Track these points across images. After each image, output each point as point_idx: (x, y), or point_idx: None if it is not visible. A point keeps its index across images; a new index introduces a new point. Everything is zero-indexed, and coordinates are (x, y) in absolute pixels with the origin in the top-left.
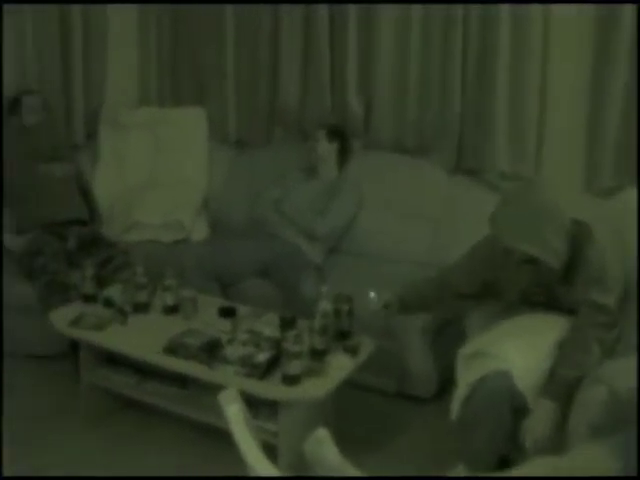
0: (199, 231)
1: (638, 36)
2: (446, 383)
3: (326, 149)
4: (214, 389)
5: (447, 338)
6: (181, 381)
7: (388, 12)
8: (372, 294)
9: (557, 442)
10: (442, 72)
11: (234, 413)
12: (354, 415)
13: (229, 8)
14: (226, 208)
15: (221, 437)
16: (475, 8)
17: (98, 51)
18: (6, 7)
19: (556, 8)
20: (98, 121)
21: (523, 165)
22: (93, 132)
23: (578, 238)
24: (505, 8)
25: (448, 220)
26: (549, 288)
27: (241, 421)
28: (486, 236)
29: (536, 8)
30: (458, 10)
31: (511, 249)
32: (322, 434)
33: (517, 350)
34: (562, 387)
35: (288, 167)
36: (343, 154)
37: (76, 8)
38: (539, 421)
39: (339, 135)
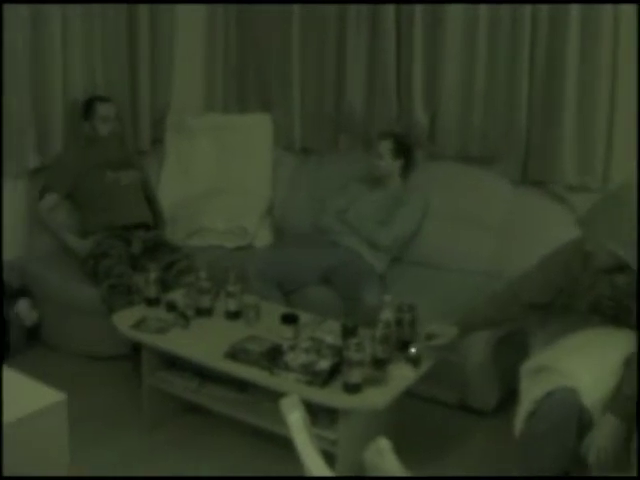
0: (262, 237)
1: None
2: (507, 396)
3: (390, 165)
4: (274, 395)
5: (509, 350)
6: (240, 386)
7: (454, 21)
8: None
9: (621, 460)
10: (509, 81)
11: (296, 420)
12: (414, 426)
13: (295, 15)
14: (290, 215)
15: (279, 443)
16: (543, 16)
17: (165, 57)
18: (74, 11)
19: (626, 13)
20: (164, 127)
21: (590, 177)
22: (159, 138)
23: None
24: (574, 17)
25: (513, 231)
26: (620, 300)
27: (302, 428)
28: (566, 242)
29: (606, 19)
30: (525, 20)
31: (595, 254)
32: (383, 444)
33: (584, 366)
34: (628, 405)
35: (352, 175)
36: (407, 168)
37: (144, 14)
38: (603, 437)
39: (404, 151)
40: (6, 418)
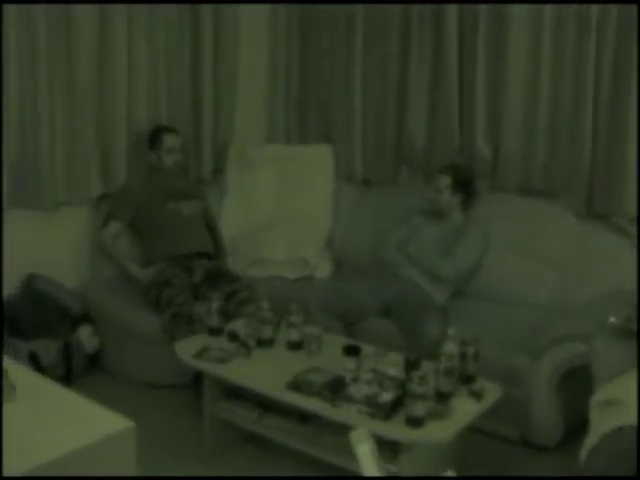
0: (323, 269)
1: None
2: (571, 431)
3: (449, 200)
4: (334, 427)
5: (574, 385)
6: (301, 417)
7: (517, 52)
8: (612, 319)
9: None
10: (572, 113)
11: (365, 452)
12: (476, 461)
13: (358, 46)
14: (350, 246)
15: (339, 476)
16: (608, 50)
17: (228, 87)
18: (139, 42)
19: None
20: (226, 157)
21: None
22: (220, 168)
23: None
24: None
25: (575, 264)
26: None
27: (372, 461)
28: None
29: None
30: (590, 52)
31: None
32: (451, 476)
33: None
34: None
35: (413, 207)
36: (467, 201)
37: (207, 45)
38: None
39: (463, 185)
40: (75, 444)
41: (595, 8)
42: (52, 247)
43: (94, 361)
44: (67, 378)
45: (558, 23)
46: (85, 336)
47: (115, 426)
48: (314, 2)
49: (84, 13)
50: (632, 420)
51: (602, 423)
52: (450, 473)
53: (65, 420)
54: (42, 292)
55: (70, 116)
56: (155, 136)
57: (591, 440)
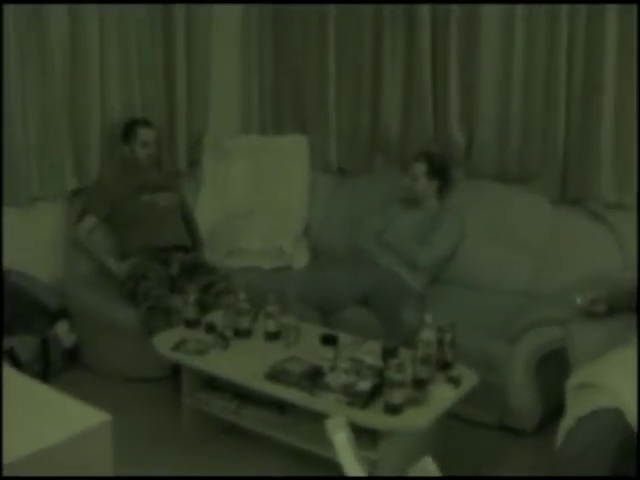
0: (300, 258)
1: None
2: (548, 416)
3: (425, 187)
4: (313, 416)
5: (550, 370)
6: (279, 407)
7: (490, 41)
8: (578, 300)
9: None
10: (545, 100)
11: (342, 440)
12: (454, 447)
13: (331, 36)
14: (326, 236)
15: (318, 464)
16: (580, 36)
17: (201, 79)
18: (111, 34)
19: None
20: (201, 149)
21: (628, 194)
22: (196, 160)
23: None
24: (610, 36)
25: (551, 249)
26: None
27: (349, 449)
28: None
29: None
30: (562, 38)
31: None
32: (428, 463)
33: (631, 385)
34: None
35: (389, 196)
36: (443, 189)
37: (180, 36)
38: None
39: (439, 172)
40: (53, 439)
41: None
42: (27, 242)
43: (72, 356)
44: (45, 374)
45: (530, 11)
46: (62, 331)
47: (91, 420)
48: (287, 2)
49: (56, 12)
50: (607, 403)
51: (578, 406)
52: (428, 460)
53: (41, 415)
54: (18, 288)
55: (43, 111)
56: (129, 129)
57: (567, 423)
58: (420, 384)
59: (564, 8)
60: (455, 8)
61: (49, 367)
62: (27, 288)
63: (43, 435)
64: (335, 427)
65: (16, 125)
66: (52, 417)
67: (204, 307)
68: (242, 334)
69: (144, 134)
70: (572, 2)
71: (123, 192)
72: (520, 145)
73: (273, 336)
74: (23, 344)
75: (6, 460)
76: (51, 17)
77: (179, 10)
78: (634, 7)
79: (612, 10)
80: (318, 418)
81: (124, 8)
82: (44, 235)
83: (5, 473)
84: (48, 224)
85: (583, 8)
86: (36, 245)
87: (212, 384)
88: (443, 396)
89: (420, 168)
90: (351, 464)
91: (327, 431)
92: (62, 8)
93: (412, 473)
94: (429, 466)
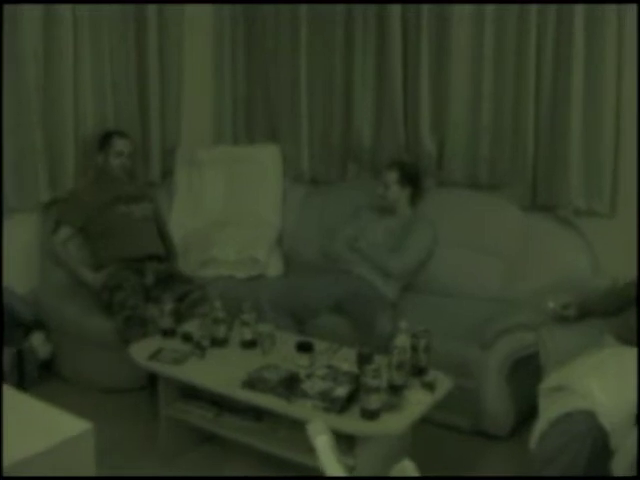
0: (274, 267)
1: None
2: (522, 421)
3: (397, 195)
4: (289, 423)
5: (523, 375)
6: (256, 415)
7: (461, 50)
8: (551, 304)
9: None
10: (515, 108)
11: (323, 444)
12: (429, 452)
13: (303, 46)
14: (299, 245)
15: (295, 470)
16: (548, 45)
17: (174, 90)
18: (84, 46)
19: (630, 42)
20: (174, 159)
21: (598, 201)
22: (169, 170)
23: None
24: (578, 46)
25: (522, 256)
26: None
27: (330, 452)
28: None
29: (610, 49)
30: (531, 47)
31: None
32: (408, 465)
33: (602, 387)
34: None
35: (361, 204)
36: (415, 196)
37: (153, 47)
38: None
39: (410, 180)
40: (35, 448)
41: (535, 9)
42: (2, 253)
43: (48, 367)
44: (21, 385)
45: (499, 22)
46: (38, 342)
47: (73, 429)
48: (257, 2)
49: (29, 24)
50: (581, 405)
51: (551, 409)
52: (407, 463)
53: (22, 425)
54: None
55: (17, 122)
56: (105, 139)
57: (540, 426)
58: (396, 389)
59: (533, 19)
60: (426, 20)
61: (24, 378)
62: (2, 299)
63: (25, 444)
64: (316, 430)
65: None
66: (33, 426)
67: (179, 316)
68: (218, 343)
69: (119, 144)
70: (541, 10)
71: (98, 203)
72: (490, 153)
73: (249, 344)
74: None
75: None
76: (25, 29)
77: (151, 22)
78: (599, 15)
79: (579, 20)
80: (295, 425)
81: (97, 21)
82: (19, 246)
83: None
84: (23, 235)
85: (551, 19)
86: (11, 256)
87: (189, 393)
88: (418, 401)
89: (392, 176)
90: (333, 466)
91: (308, 435)
92: (36, 21)
93: (392, 474)
94: (408, 467)
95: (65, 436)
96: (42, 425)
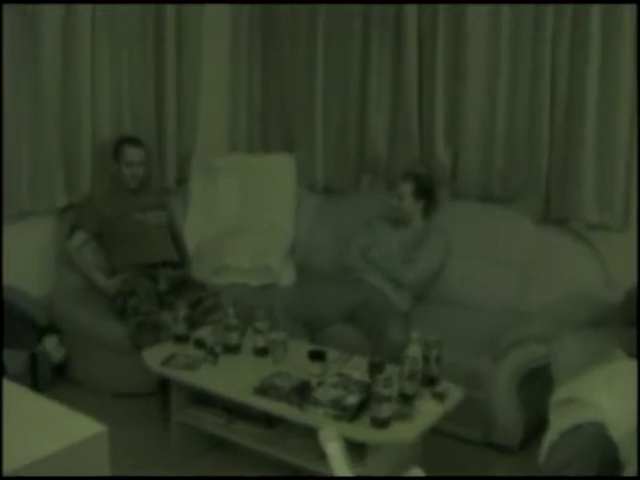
0: (287, 276)
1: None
2: (532, 433)
3: (411, 207)
4: (300, 430)
5: (534, 387)
6: (268, 422)
7: (477, 64)
8: None
9: None
10: (530, 122)
11: (335, 450)
12: (439, 462)
13: (320, 57)
14: (312, 254)
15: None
16: (563, 57)
17: (190, 98)
18: (103, 54)
19: None
20: (189, 167)
21: (611, 215)
22: (184, 177)
23: None
24: (592, 62)
25: (534, 269)
26: None
27: (342, 458)
28: None
29: (624, 63)
30: (546, 59)
31: None
32: (417, 472)
33: (613, 400)
34: None
35: (375, 214)
36: (429, 208)
37: (170, 57)
38: None
39: (425, 192)
40: (50, 449)
41: (550, 19)
42: (17, 257)
43: (61, 371)
44: (34, 388)
45: (514, 36)
46: (51, 346)
47: (88, 430)
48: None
49: (49, 32)
50: (591, 417)
51: (561, 421)
52: (417, 471)
53: (37, 426)
54: (7, 302)
55: (35, 127)
56: (117, 148)
57: (550, 437)
58: (406, 399)
59: (548, 33)
60: (442, 33)
61: (38, 382)
62: (17, 303)
63: (40, 445)
64: (328, 437)
65: (8, 141)
66: (48, 428)
67: (192, 323)
68: (231, 350)
69: (129, 154)
70: (556, 23)
71: (113, 209)
72: (504, 166)
73: (262, 352)
74: (11, 359)
75: (4, 470)
76: (44, 37)
77: (169, 30)
78: (617, 31)
79: (595, 37)
80: (307, 432)
81: (115, 26)
82: (34, 250)
83: None
84: (38, 239)
85: (566, 33)
86: (26, 260)
87: (201, 399)
88: (429, 411)
89: (407, 188)
90: (344, 472)
91: (320, 441)
92: (55, 28)
93: None
94: (418, 475)
95: (80, 438)
96: (57, 426)
